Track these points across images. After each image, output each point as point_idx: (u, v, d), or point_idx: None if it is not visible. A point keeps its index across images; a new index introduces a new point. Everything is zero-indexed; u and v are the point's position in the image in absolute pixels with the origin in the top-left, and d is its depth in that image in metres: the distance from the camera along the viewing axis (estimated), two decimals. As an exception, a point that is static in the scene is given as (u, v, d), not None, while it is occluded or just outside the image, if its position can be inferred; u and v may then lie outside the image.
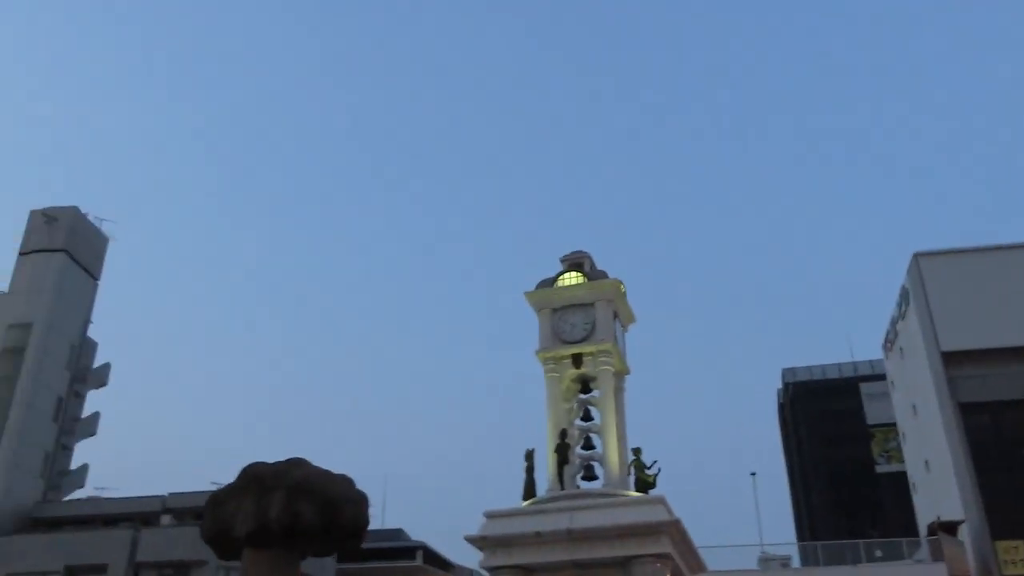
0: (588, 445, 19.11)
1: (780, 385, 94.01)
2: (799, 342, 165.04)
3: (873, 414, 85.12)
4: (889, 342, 56.45)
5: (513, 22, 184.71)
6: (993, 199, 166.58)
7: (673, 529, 16.12)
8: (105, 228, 65.76)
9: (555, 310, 19.40)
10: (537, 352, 19.17)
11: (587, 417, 19.34)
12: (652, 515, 16.06)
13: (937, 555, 41.09)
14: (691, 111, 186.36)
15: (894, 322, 54.80)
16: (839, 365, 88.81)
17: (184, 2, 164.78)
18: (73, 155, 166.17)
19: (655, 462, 17.67)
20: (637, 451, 17.96)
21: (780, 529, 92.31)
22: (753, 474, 47.14)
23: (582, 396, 19.41)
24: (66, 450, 61.89)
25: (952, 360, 45.49)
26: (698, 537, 18.80)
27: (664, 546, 15.90)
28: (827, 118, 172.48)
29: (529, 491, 17.93)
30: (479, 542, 16.70)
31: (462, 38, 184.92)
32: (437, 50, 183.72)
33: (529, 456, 18.23)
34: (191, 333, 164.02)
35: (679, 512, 16.80)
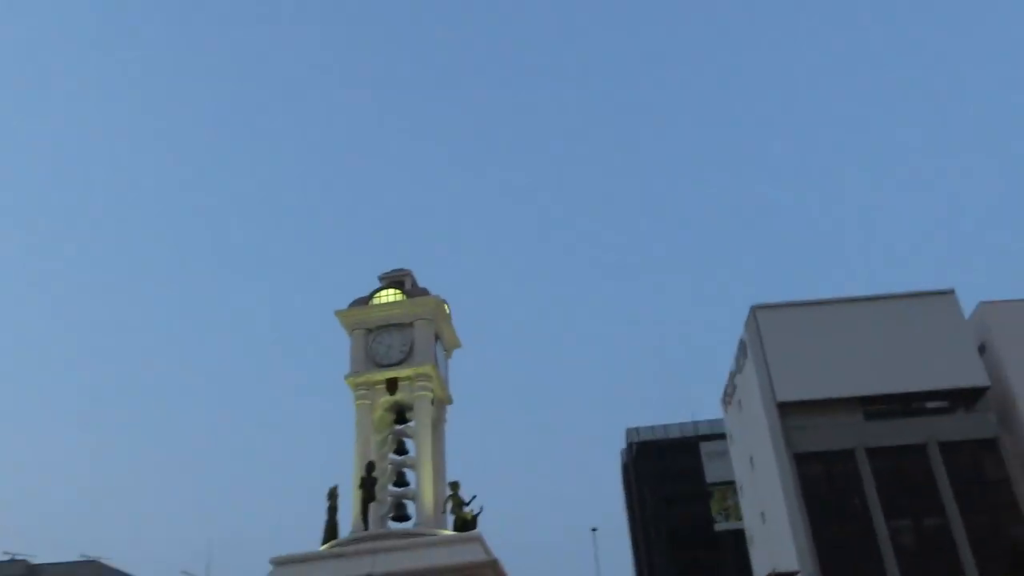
0: (401, 482, 16.97)
1: (624, 444, 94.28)
2: (644, 398, 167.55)
3: (713, 472, 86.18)
4: (728, 395, 56.88)
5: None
6: (827, 252, 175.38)
7: (490, 571, 14.17)
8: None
9: (370, 331, 17.35)
10: (347, 377, 17.00)
11: (401, 451, 17.24)
12: (466, 555, 14.06)
13: (774, 607, 40.67)
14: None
15: (732, 376, 55.27)
16: (680, 425, 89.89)
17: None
18: None
19: (474, 497, 15.70)
20: (455, 486, 15.94)
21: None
22: (594, 529, 45.89)
23: (397, 427, 17.32)
24: None
25: (787, 411, 45.89)
26: None
27: (480, 591, 13.93)
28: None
29: (330, 534, 15.58)
30: (264, 594, 14.22)
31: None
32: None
33: (332, 494, 15.91)
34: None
35: (509, 560, 14.89)
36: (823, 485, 44.65)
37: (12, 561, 47.10)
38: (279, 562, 14.66)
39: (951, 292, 46.68)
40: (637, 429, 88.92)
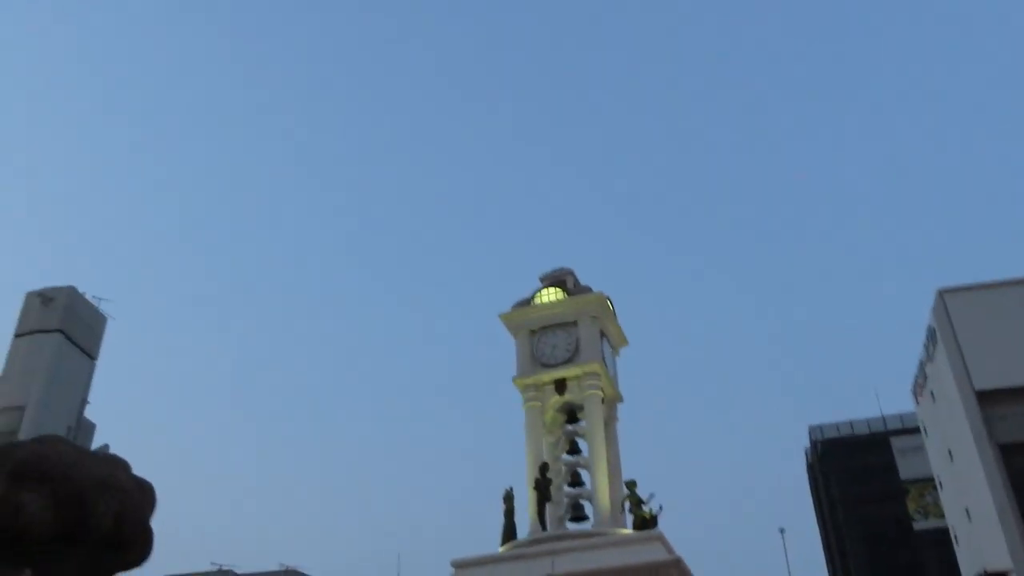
0: (576, 482, 16.71)
1: (808, 443, 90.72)
2: (824, 396, 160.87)
3: (906, 469, 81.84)
4: (919, 386, 53.57)
5: (483, 23, 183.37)
6: (1014, 229, 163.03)
7: (674, 571, 13.69)
8: (103, 307, 64.38)
9: (534, 332, 17.23)
10: (515, 379, 16.94)
11: (574, 450, 16.99)
12: (648, 554, 13.63)
13: (987, 609, 37.80)
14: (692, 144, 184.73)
15: (922, 365, 52.03)
16: (868, 420, 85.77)
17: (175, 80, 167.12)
18: (66, 233, 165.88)
19: (652, 495, 15.26)
20: (632, 484, 15.54)
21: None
22: (782, 530, 43.93)
23: (568, 427, 17.10)
24: (64, 536, 59.53)
25: (987, 399, 42.67)
26: None
27: (664, 591, 13.46)
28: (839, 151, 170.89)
29: (508, 536, 15.51)
30: (448, 597, 14.29)
31: (431, 36, 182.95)
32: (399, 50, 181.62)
33: (508, 497, 15.85)
34: (191, 410, 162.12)
35: (694, 563, 14.38)
36: (1034, 477, 41.17)
37: (219, 572, 49.80)
38: (460, 564, 14.71)
39: None
40: (820, 427, 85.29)
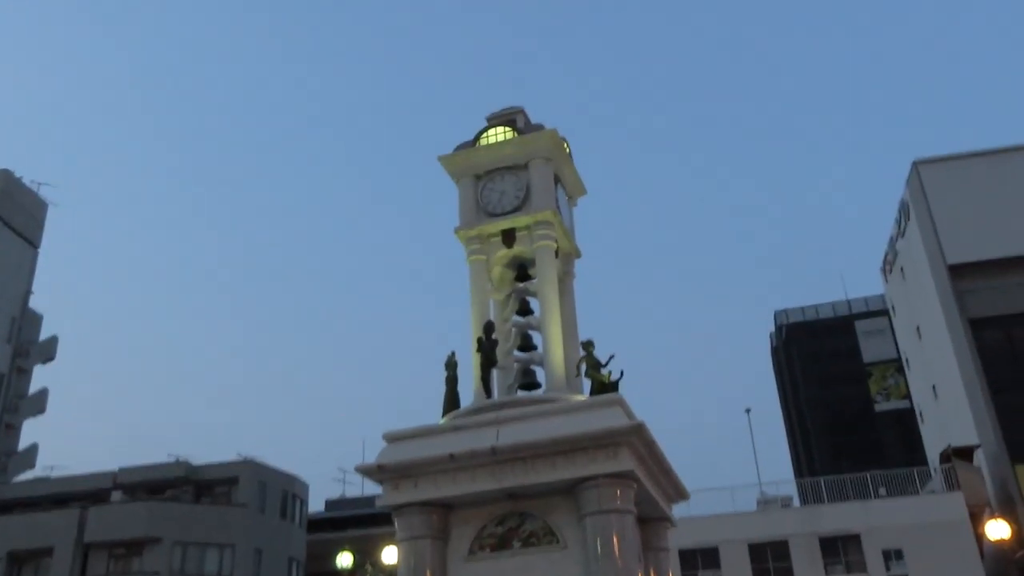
0: (526, 346, 14.72)
1: (772, 328, 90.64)
2: (789, 280, 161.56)
3: (871, 351, 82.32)
4: (888, 263, 52.36)
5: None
6: (990, 101, 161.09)
7: (636, 439, 11.86)
8: (43, 193, 60.90)
9: (479, 176, 14.94)
10: (457, 230, 14.72)
11: (525, 311, 14.98)
12: (606, 420, 11.77)
13: (952, 484, 37.38)
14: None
15: (892, 241, 50.67)
16: (832, 304, 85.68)
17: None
18: (9, 118, 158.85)
19: (612, 357, 13.32)
20: (589, 345, 13.58)
21: (776, 472, 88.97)
22: (748, 410, 43.25)
23: (519, 285, 15.02)
24: (12, 429, 57.51)
25: (959, 273, 41.37)
26: (689, 480, 14.65)
27: (624, 462, 11.61)
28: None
29: (450, 406, 13.57)
30: (375, 473, 12.36)
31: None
32: None
33: (450, 363, 13.83)
34: (144, 303, 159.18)
35: (661, 439, 12.58)
36: (1004, 352, 40.38)
37: (176, 462, 48.97)
38: (392, 438, 12.80)
39: None
40: (786, 311, 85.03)
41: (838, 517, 36.84)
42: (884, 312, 67.98)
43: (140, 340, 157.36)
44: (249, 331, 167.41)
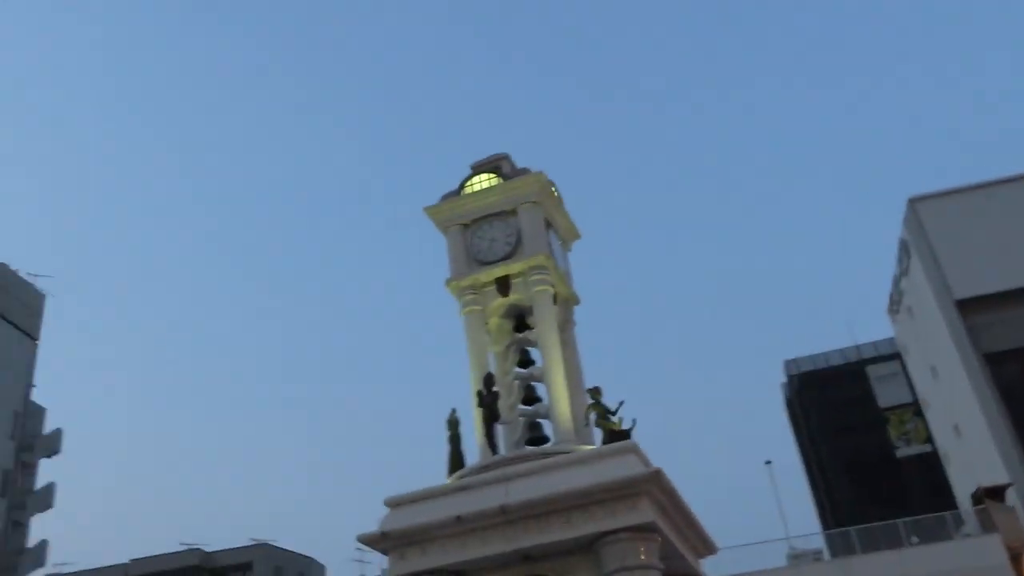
0: (531, 398, 13.92)
1: (784, 378, 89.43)
2: (797, 331, 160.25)
3: (884, 397, 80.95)
4: (894, 303, 51.55)
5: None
6: (982, 135, 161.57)
7: (655, 488, 10.99)
8: (40, 284, 60.56)
9: (466, 225, 14.36)
10: (448, 282, 14.06)
11: (526, 362, 14.22)
12: (621, 469, 10.92)
13: (987, 526, 35.91)
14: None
15: (897, 281, 49.97)
16: (841, 350, 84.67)
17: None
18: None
19: (621, 403, 12.51)
20: (596, 392, 12.77)
21: (800, 524, 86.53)
22: (768, 462, 41.97)
23: (518, 335, 14.31)
24: (19, 527, 56.09)
25: (968, 308, 40.55)
26: (715, 535, 13.70)
27: (644, 513, 10.73)
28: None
29: (455, 466, 12.74)
30: (378, 541, 11.47)
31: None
32: None
33: (452, 422, 13.04)
34: (147, 389, 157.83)
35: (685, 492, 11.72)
36: (1022, 384, 39.35)
37: (188, 550, 48.22)
38: (394, 503, 11.93)
39: None
40: (796, 360, 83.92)
41: (873, 568, 35.30)
42: (895, 356, 67.03)
43: (145, 426, 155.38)
44: (253, 415, 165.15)
